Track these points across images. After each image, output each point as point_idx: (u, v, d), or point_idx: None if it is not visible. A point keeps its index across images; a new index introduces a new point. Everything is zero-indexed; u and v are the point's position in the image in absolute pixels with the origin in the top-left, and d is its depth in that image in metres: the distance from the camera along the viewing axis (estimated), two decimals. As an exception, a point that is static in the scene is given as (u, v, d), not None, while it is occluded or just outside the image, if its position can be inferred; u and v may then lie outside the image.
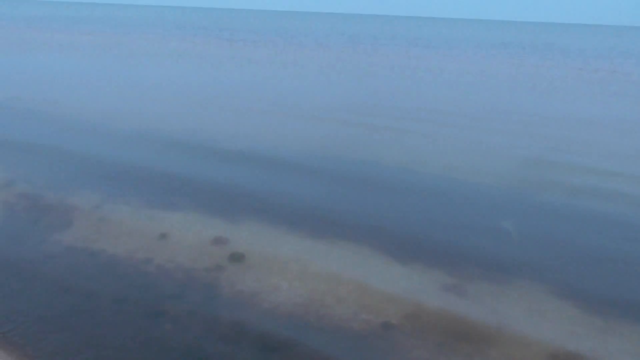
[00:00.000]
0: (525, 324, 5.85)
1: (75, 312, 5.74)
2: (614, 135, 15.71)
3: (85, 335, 5.33)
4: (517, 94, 23.39)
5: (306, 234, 7.91)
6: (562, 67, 37.36)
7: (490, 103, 21.02)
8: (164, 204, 8.87)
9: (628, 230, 8.63)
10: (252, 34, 65.18)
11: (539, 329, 5.76)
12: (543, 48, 61.26)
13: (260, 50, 41.88)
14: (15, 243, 7.29)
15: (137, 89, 20.90)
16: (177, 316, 5.73)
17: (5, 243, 7.30)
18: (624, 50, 62.59)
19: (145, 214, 8.48)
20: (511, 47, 60.77)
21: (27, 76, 23.07)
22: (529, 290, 6.60)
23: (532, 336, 5.62)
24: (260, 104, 18.73)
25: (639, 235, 8.47)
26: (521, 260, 7.39)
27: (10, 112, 15.78)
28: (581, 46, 68.54)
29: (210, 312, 5.84)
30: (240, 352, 5.20)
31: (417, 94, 22.47)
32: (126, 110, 16.86)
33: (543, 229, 8.56)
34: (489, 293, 6.47)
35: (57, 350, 5.09)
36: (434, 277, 6.81)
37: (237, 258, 7.03)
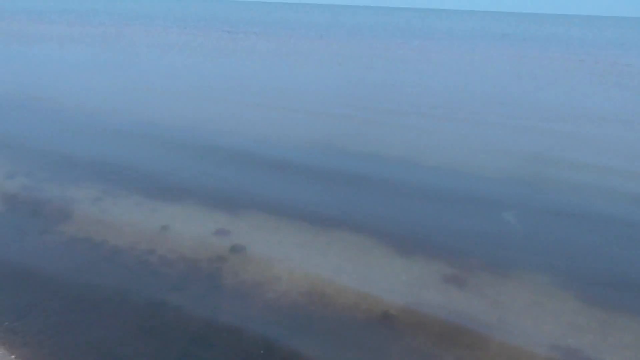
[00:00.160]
0: (526, 316, 5.88)
1: (77, 302, 5.76)
2: (619, 130, 15.70)
3: (88, 327, 5.36)
4: (521, 86, 23.35)
5: (307, 227, 7.94)
6: (565, 58, 37.26)
7: (493, 95, 20.98)
8: (165, 197, 8.89)
9: (630, 223, 8.65)
10: (253, 26, 64.96)
11: (539, 322, 5.79)
12: (544, 39, 61.06)
13: (262, 42, 41.73)
14: (15, 235, 7.31)
15: (137, 83, 20.86)
16: (180, 306, 5.76)
17: (5, 235, 7.32)
18: (624, 42, 62.37)
19: (147, 206, 8.49)
20: (511, 39, 60.58)
21: (25, 69, 23.02)
22: (529, 282, 6.62)
23: (532, 328, 5.65)
24: (261, 98, 18.71)
25: None
26: (522, 252, 7.41)
27: (7, 103, 15.76)
28: (581, 37, 68.31)
29: (213, 302, 5.87)
30: (244, 342, 5.23)
31: (418, 87, 22.42)
32: (126, 103, 16.84)
33: (545, 221, 8.57)
34: (489, 285, 6.50)
35: (59, 341, 5.12)
36: (434, 268, 6.84)
37: (238, 250, 7.05)
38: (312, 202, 8.87)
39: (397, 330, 5.50)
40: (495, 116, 16.61)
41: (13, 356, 4.90)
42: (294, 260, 6.84)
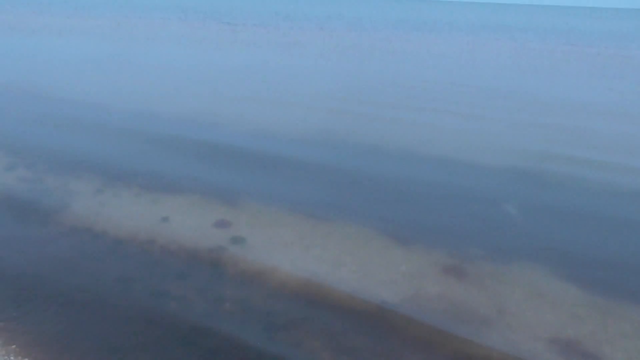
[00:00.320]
0: (526, 306, 5.89)
1: (79, 292, 5.78)
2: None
3: (91, 316, 5.37)
4: (521, 79, 23.28)
5: (307, 218, 7.94)
6: (575, 51, 37.13)
7: (502, 90, 20.93)
8: (165, 188, 8.89)
9: (630, 215, 8.65)
10: (253, 18, 64.71)
11: (539, 312, 5.80)
12: (544, 31, 60.79)
13: (262, 34, 41.61)
14: (17, 225, 7.32)
15: (138, 72, 20.81)
16: (182, 296, 5.79)
17: (7, 225, 7.33)
18: (628, 33, 62.12)
19: (147, 197, 8.50)
20: (511, 31, 60.31)
21: (25, 58, 22.98)
22: (529, 272, 6.63)
23: (532, 319, 5.66)
24: (264, 89, 18.67)
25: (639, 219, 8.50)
26: (522, 243, 7.41)
27: (4, 92, 15.74)
28: (582, 29, 68.01)
29: (215, 291, 5.89)
30: (246, 331, 5.25)
31: (421, 81, 22.36)
32: (126, 94, 16.81)
33: (545, 211, 8.57)
34: (489, 275, 6.51)
35: (62, 331, 5.14)
36: (433, 259, 6.84)
37: (238, 240, 7.06)
38: (311, 195, 8.88)
39: (396, 321, 5.51)
40: (497, 111, 16.57)
41: (14, 346, 4.92)
42: (293, 252, 6.85)
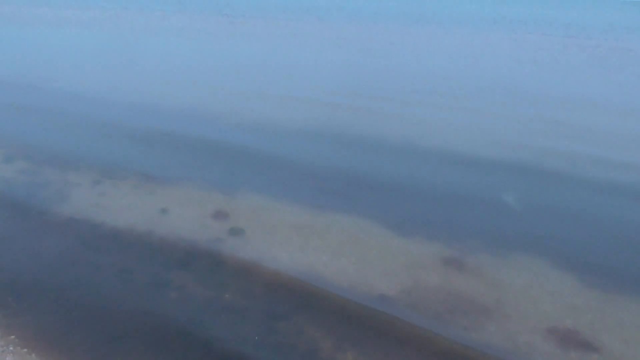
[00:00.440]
0: (525, 297, 5.90)
1: (81, 282, 5.78)
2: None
3: (89, 306, 5.37)
4: (521, 73, 23.23)
5: (306, 209, 7.93)
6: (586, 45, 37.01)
7: (505, 85, 20.88)
8: (163, 179, 8.87)
9: (628, 206, 8.65)
10: (252, 10, 64.44)
11: (538, 302, 5.80)
12: (543, 23, 60.58)
13: (261, 27, 41.45)
14: (17, 216, 7.31)
15: (135, 65, 20.74)
16: (182, 286, 5.80)
17: (6, 216, 7.32)
18: (627, 25, 61.91)
19: (145, 188, 8.48)
20: (513, 23, 60.12)
21: (25, 51, 22.88)
22: (528, 263, 6.63)
23: (530, 309, 5.67)
24: (261, 84, 18.62)
25: (638, 211, 8.50)
26: (521, 234, 7.41)
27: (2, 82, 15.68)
28: (588, 21, 67.76)
29: (214, 281, 5.89)
30: (246, 320, 5.26)
31: (424, 75, 22.30)
32: (125, 84, 16.74)
33: (544, 203, 8.57)
34: (488, 266, 6.51)
35: (60, 322, 5.14)
36: (433, 250, 6.84)
37: (237, 232, 7.06)
38: (310, 187, 8.86)
39: (395, 312, 5.52)
40: (495, 105, 16.55)
41: (13, 336, 4.92)
42: (292, 243, 6.85)
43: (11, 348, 4.77)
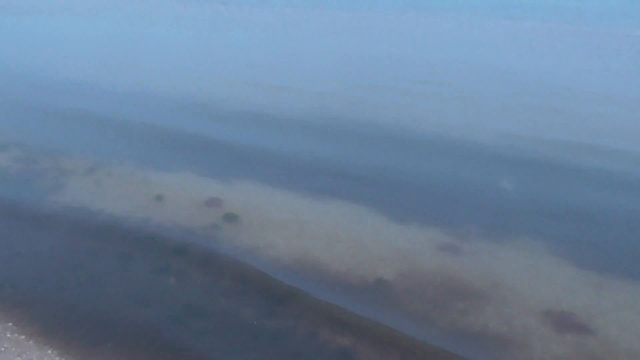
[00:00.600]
0: (521, 281, 5.92)
1: (81, 270, 5.77)
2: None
3: (93, 293, 5.37)
4: (520, 61, 23.18)
5: (302, 195, 7.92)
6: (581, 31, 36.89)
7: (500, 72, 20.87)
8: (158, 166, 8.84)
9: (624, 193, 8.68)
10: (246, -3, 63.89)
11: (534, 286, 5.83)
12: (543, 9, 60.24)
13: (257, 14, 41.20)
14: (13, 204, 7.28)
15: (135, 52, 20.60)
16: (181, 271, 5.82)
17: (3, 205, 7.29)
18: (623, 12, 61.67)
19: (140, 176, 8.45)
20: (509, 9, 59.79)
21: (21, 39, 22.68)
22: (525, 248, 6.65)
23: (527, 293, 5.69)
24: (263, 70, 18.56)
25: (633, 196, 8.53)
26: (518, 219, 7.43)
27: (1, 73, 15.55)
28: (584, 7, 67.45)
29: (212, 267, 5.90)
30: (245, 303, 5.27)
31: (417, 63, 22.25)
32: (117, 74, 16.64)
33: (540, 188, 8.58)
34: (484, 251, 6.53)
35: (57, 309, 5.13)
36: (429, 235, 6.85)
37: (231, 218, 7.04)
38: (306, 172, 8.85)
39: (392, 296, 5.53)
40: (493, 94, 16.52)
41: (10, 323, 4.91)
42: (288, 229, 6.85)
43: (9, 335, 4.76)
